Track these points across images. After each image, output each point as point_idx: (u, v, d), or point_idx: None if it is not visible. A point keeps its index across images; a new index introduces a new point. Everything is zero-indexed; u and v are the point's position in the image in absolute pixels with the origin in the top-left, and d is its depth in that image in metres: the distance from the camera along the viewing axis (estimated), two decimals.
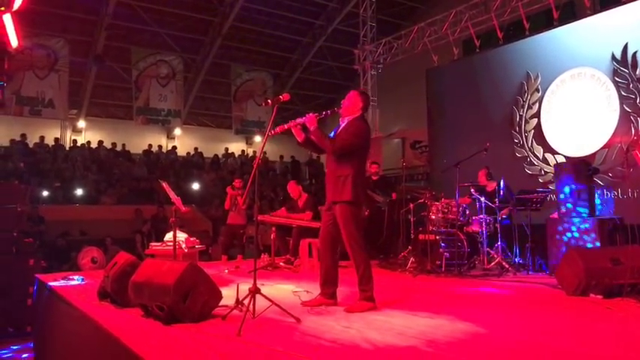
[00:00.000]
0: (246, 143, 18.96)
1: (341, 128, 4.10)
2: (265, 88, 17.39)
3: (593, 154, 7.37)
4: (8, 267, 6.36)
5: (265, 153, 17.11)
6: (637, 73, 7.00)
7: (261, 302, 3.54)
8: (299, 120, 4.04)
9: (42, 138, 14.97)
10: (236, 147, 18.42)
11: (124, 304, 3.89)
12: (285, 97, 3.92)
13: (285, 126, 4.05)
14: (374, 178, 8.52)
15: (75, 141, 15.86)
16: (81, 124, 16.42)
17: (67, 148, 15.51)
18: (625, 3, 7.34)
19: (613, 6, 7.55)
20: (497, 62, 9.05)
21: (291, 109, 18.07)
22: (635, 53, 7.02)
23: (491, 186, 6.85)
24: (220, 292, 3.70)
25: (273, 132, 4.03)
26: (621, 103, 7.16)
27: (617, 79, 7.23)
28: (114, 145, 16.05)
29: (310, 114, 4.02)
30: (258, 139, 18.34)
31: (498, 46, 9.18)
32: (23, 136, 14.61)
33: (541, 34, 8.41)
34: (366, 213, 8.32)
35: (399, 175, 8.57)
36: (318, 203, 7.36)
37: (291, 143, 19.31)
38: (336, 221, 4.04)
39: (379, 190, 8.25)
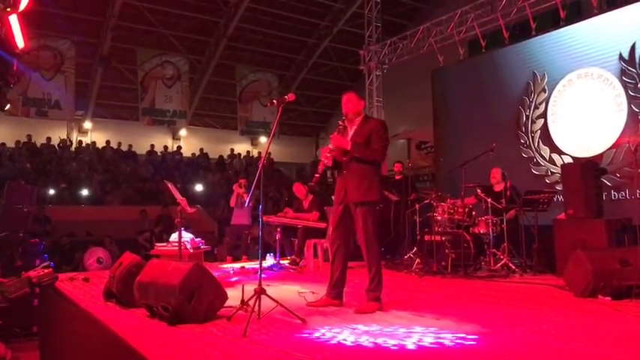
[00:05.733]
0: (252, 144, 18.99)
1: (361, 129, 4.05)
2: (270, 89, 17.41)
3: (601, 155, 7.30)
4: (14, 267, 6.39)
5: (270, 154, 17.11)
6: None
7: (266, 303, 3.53)
8: (331, 147, 3.96)
9: (48, 139, 15.05)
10: (241, 148, 18.45)
11: (129, 304, 3.89)
12: (290, 97, 3.91)
13: (324, 161, 3.95)
14: (397, 177, 8.54)
15: (80, 142, 15.93)
16: (87, 125, 16.49)
17: (73, 149, 15.58)
18: (632, 2, 7.27)
19: (620, 5, 7.50)
20: (503, 62, 9.00)
21: (297, 110, 18.11)
22: None
23: (499, 186, 6.81)
24: (226, 293, 3.69)
25: (318, 176, 3.98)
26: (629, 103, 7.10)
27: (624, 78, 7.17)
28: (119, 145, 16.10)
29: (335, 135, 3.97)
30: (263, 139, 18.36)
31: (504, 46, 9.13)
32: (29, 137, 14.69)
33: (547, 33, 8.36)
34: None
35: (404, 175, 8.54)
36: (324, 204, 7.36)
37: (296, 146, 19.39)
38: (350, 222, 4.03)
39: (396, 189, 8.25)
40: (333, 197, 4.29)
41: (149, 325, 3.42)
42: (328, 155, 3.96)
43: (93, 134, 16.62)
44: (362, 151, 3.99)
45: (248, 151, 18.55)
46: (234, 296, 3.84)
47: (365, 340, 3.01)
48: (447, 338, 3.06)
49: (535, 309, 4.05)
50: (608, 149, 7.27)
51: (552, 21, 8.73)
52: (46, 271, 2.22)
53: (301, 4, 15.21)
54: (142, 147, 16.46)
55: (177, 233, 5.41)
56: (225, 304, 3.67)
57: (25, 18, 6.41)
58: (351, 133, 4.08)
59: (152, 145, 16.61)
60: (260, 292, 3.49)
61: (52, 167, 13.98)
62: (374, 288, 3.96)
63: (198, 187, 15.20)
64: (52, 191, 13.12)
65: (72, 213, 12.17)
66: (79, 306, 4.08)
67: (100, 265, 8.33)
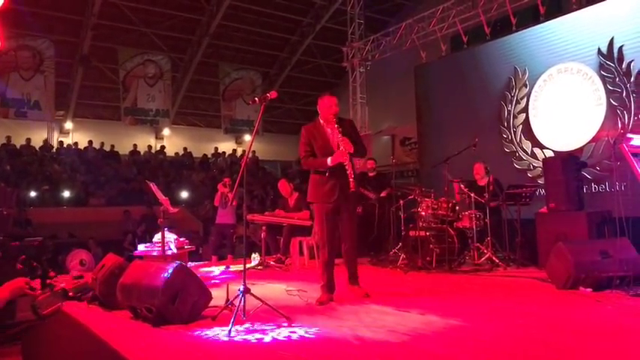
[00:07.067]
0: (236, 142, 18.89)
1: (344, 130, 4.15)
2: (254, 87, 17.33)
3: (581, 148, 7.39)
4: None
5: (254, 152, 17.06)
6: (623, 66, 7.02)
7: (252, 302, 3.52)
8: (347, 151, 4.05)
9: (28, 140, 14.80)
10: (226, 146, 18.34)
11: (112, 306, 3.85)
12: (272, 94, 3.89)
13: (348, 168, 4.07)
14: (370, 174, 8.53)
15: (61, 142, 15.69)
16: (68, 125, 16.24)
17: (55, 150, 15.34)
18: None
19: (598, 0, 7.58)
20: (485, 58, 9.06)
21: (281, 108, 18.05)
22: (621, 47, 7.05)
23: (482, 181, 6.87)
24: (210, 293, 3.68)
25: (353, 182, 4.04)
26: (608, 97, 7.19)
27: (603, 73, 7.26)
28: (102, 145, 15.90)
29: (344, 139, 4.05)
30: (247, 137, 18.27)
31: (486, 41, 9.18)
32: (8, 138, 14.44)
33: (528, 29, 8.42)
34: (359, 210, 8.33)
35: (388, 172, 8.57)
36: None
37: (281, 144, 19.32)
38: (336, 219, 4.20)
39: (371, 186, 8.26)
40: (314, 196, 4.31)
41: (133, 327, 3.39)
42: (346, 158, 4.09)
43: (74, 135, 16.37)
44: (359, 151, 4.24)
45: (234, 150, 18.44)
46: (219, 296, 3.83)
47: (350, 337, 3.01)
48: (431, 333, 3.08)
49: (518, 302, 4.10)
50: (588, 143, 7.36)
51: (532, 16, 8.81)
52: (81, 281, 2.10)
53: (284, 1, 15.15)
54: (124, 147, 16.27)
55: (160, 233, 5.36)
56: (210, 304, 3.65)
57: (2, 17, 6.29)
58: (334, 133, 4.15)
59: (135, 145, 16.44)
60: (245, 291, 3.48)
61: (33, 169, 13.76)
62: (357, 274, 4.32)
63: (183, 187, 15.09)
64: (33, 193, 12.92)
65: (54, 215, 12.01)
66: (62, 309, 4.02)
67: (82, 268, 8.21)
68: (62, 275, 6.43)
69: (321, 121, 4.27)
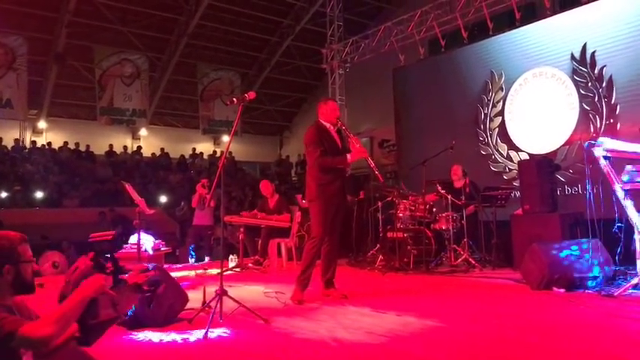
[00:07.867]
0: (214, 143, 18.74)
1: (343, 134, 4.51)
2: (233, 88, 17.20)
3: (555, 151, 7.53)
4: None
5: (231, 153, 16.95)
6: (595, 72, 7.19)
7: (229, 304, 3.49)
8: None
9: None
10: (204, 147, 18.18)
11: None
12: (250, 95, 3.88)
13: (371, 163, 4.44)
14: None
15: (34, 142, 15.34)
16: (41, 124, 15.89)
17: (27, 150, 14.99)
18: (583, 3, 7.53)
19: (572, 7, 7.75)
20: (463, 61, 9.17)
21: (260, 109, 17.98)
22: (593, 52, 7.21)
23: (459, 183, 6.95)
24: (186, 295, 3.64)
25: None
26: (580, 102, 7.34)
27: (576, 78, 7.41)
28: (77, 145, 15.60)
29: (358, 139, 4.47)
30: (226, 138, 18.12)
31: (463, 45, 9.30)
32: None
33: (504, 34, 8.56)
34: None
35: (367, 174, 8.60)
36: (290, 203, 7.34)
37: (260, 145, 19.26)
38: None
39: (347, 189, 8.27)
40: (322, 198, 4.36)
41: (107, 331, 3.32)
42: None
43: (48, 134, 16.03)
44: None
45: (215, 151, 18.28)
46: (195, 298, 3.79)
47: (327, 338, 3.01)
48: (408, 334, 3.10)
49: (494, 302, 4.15)
50: (561, 146, 7.51)
51: (508, 21, 8.95)
52: (150, 273, 2.00)
53: (263, 2, 15.09)
54: (100, 147, 15.99)
55: (136, 235, 5.28)
56: (186, 307, 3.61)
57: None
58: (336, 135, 4.42)
59: (111, 146, 16.17)
60: (222, 293, 3.45)
61: (4, 169, 13.42)
62: (334, 279, 4.38)
63: (159, 188, 14.89)
64: (4, 194, 12.60)
65: (26, 216, 11.70)
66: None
67: (55, 270, 8.03)
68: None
69: (325, 124, 4.41)
